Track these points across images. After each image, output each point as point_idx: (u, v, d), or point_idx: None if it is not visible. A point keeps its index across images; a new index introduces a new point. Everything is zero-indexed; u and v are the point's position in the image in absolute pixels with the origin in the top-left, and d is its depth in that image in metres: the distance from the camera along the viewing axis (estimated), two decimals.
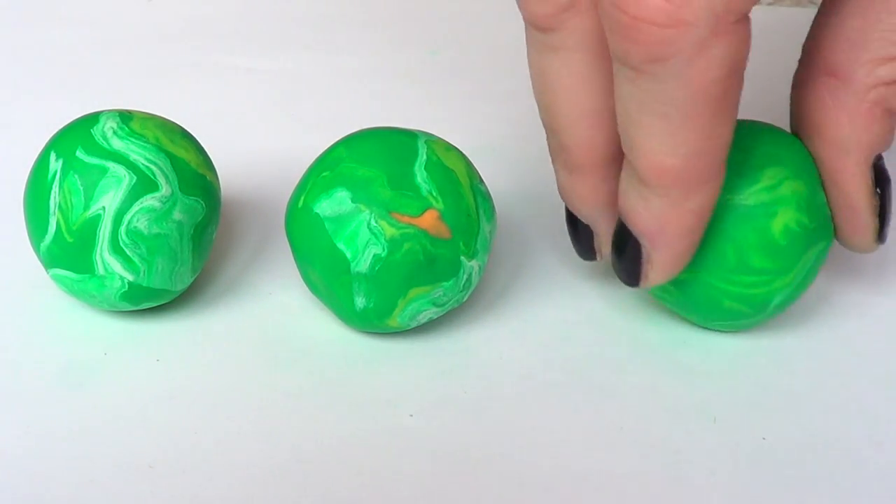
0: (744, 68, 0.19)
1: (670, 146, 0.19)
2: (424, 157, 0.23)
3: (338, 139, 0.24)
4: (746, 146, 0.22)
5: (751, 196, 0.22)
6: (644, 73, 0.18)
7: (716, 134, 0.19)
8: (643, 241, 0.21)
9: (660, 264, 0.21)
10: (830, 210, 0.22)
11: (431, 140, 0.23)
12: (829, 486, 0.21)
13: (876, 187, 0.22)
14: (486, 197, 0.24)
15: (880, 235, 0.22)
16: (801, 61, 0.22)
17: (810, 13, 0.23)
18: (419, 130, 0.24)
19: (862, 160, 0.21)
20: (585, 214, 0.23)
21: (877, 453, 0.22)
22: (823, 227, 0.22)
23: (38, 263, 0.25)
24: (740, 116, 0.23)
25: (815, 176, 0.22)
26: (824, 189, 0.22)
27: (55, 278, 0.23)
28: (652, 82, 0.18)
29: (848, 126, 0.21)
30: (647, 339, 0.25)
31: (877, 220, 0.22)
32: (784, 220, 0.22)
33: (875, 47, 0.20)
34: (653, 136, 0.19)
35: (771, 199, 0.22)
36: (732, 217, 0.22)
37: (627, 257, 0.22)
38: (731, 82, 0.19)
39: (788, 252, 0.22)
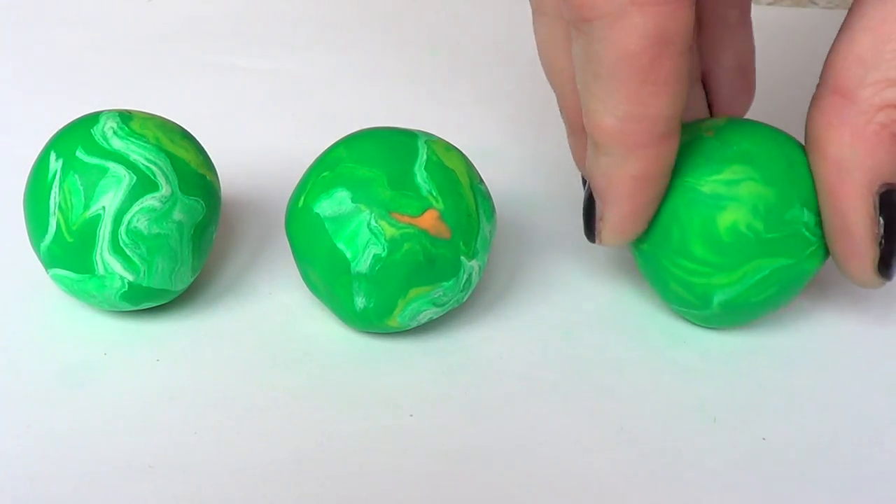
0: (680, 45, 0.20)
1: (606, 106, 0.20)
2: (424, 157, 0.23)
3: (338, 139, 0.24)
4: (730, 140, 0.22)
5: (707, 184, 0.22)
6: (580, 33, 0.20)
7: (648, 102, 0.20)
8: (596, 198, 0.22)
9: (608, 223, 0.22)
10: (826, 234, 0.22)
11: (431, 140, 0.23)
12: (829, 486, 0.21)
13: (881, 216, 0.21)
14: (486, 197, 0.24)
15: (885, 269, 0.21)
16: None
17: (810, 13, 0.23)
18: (419, 130, 0.24)
19: (864, 183, 0.21)
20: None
21: (877, 453, 0.22)
22: (790, 245, 0.22)
23: (38, 263, 0.25)
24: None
25: (797, 194, 0.22)
26: (821, 210, 0.22)
27: (55, 278, 0.23)
28: (585, 42, 0.20)
29: (850, 146, 0.20)
30: (647, 339, 0.25)
31: (877, 249, 0.21)
32: (733, 218, 0.22)
33: (885, 67, 0.20)
34: (593, 96, 0.21)
35: (725, 193, 0.22)
36: (684, 199, 0.22)
37: (587, 212, 0.23)
38: (658, 53, 0.19)
39: (732, 251, 0.22)
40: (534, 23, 0.24)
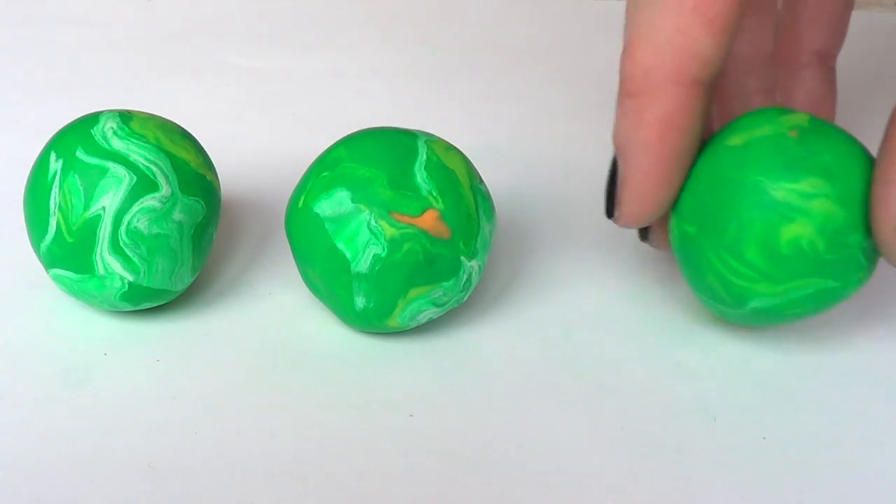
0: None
1: (648, 31, 0.21)
2: (424, 157, 0.23)
3: (338, 139, 0.24)
4: (814, 147, 0.21)
5: (780, 189, 0.21)
6: None
7: (690, 33, 0.20)
8: (619, 161, 0.22)
9: (628, 184, 0.22)
10: (873, 178, 0.21)
11: (431, 140, 0.23)
12: (829, 486, 0.21)
13: None
14: (486, 197, 0.24)
15: None
16: None
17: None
18: (419, 130, 0.24)
19: None
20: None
21: (877, 453, 0.22)
22: (843, 269, 0.21)
23: (38, 263, 0.25)
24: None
25: (864, 217, 0.21)
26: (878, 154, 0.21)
27: (55, 278, 0.23)
28: None
29: None
30: (647, 339, 0.25)
31: None
32: (798, 232, 0.21)
33: None
34: (638, 16, 0.21)
35: (797, 205, 0.21)
36: (751, 198, 0.21)
37: (610, 182, 0.23)
38: None
39: (787, 264, 0.21)
40: None
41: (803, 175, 0.21)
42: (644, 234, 0.25)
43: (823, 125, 0.22)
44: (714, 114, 0.29)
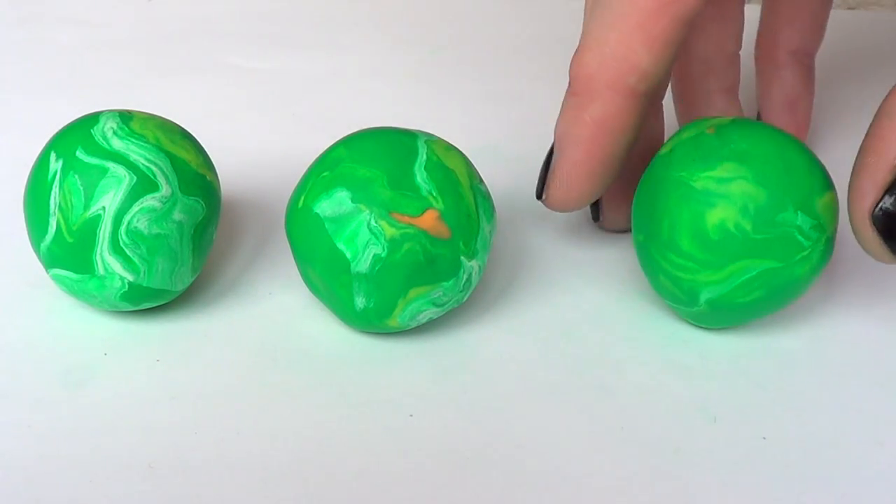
0: (682, 10, 0.22)
1: (597, 40, 0.23)
2: (424, 157, 0.23)
3: (338, 139, 0.24)
4: (728, 138, 0.22)
5: (699, 180, 0.22)
6: None
7: (633, 48, 0.22)
8: (555, 151, 0.24)
9: (558, 173, 0.24)
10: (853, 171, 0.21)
11: (431, 140, 0.23)
12: (829, 486, 0.21)
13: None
14: (486, 197, 0.24)
15: (879, 223, 0.21)
16: None
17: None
18: (419, 130, 0.24)
19: None
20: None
21: (877, 453, 0.22)
22: (779, 248, 0.22)
23: (38, 263, 0.25)
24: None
25: (791, 197, 0.21)
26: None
27: (55, 278, 0.23)
28: None
29: None
30: (647, 339, 0.25)
31: (878, 195, 0.21)
32: (721, 216, 0.22)
33: None
34: (590, 26, 0.23)
35: (715, 190, 0.22)
36: (676, 193, 0.22)
37: (544, 167, 0.25)
38: (664, 7, 0.22)
39: (719, 249, 0.22)
40: None
41: (718, 162, 0.22)
42: (595, 215, 0.27)
43: (744, 121, 0.23)
44: (680, 112, 0.31)
